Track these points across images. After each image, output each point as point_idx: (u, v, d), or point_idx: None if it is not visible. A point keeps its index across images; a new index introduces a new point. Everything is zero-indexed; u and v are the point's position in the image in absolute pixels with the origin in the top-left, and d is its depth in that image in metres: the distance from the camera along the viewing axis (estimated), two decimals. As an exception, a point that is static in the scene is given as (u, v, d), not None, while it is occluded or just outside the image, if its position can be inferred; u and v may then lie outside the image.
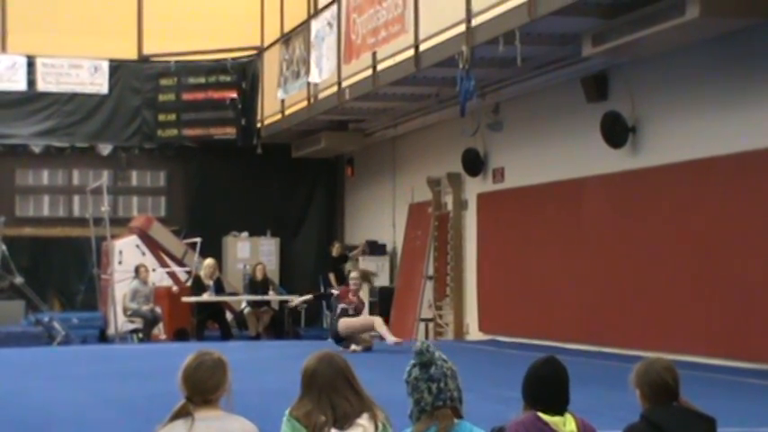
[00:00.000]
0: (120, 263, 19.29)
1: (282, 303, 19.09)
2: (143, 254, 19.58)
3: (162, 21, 22.11)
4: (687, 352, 11.28)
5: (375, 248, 19.95)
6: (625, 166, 13.21)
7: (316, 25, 17.87)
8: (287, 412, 4.36)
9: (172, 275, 19.73)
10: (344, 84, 16.87)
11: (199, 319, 17.99)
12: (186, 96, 21.78)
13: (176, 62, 21.83)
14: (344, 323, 13.79)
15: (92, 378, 11.17)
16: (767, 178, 11.07)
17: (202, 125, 21.76)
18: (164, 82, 21.82)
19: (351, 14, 16.37)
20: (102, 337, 19.09)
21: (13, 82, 20.85)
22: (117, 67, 21.56)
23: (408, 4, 14.26)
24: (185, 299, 18.08)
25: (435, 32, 13.56)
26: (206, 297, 17.98)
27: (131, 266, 18.59)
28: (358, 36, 16.08)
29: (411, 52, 14.31)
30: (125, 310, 18.13)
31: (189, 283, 18.90)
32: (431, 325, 17.71)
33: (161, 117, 21.79)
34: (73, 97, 21.28)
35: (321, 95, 18.29)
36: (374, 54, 15.54)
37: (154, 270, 19.17)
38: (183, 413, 4.12)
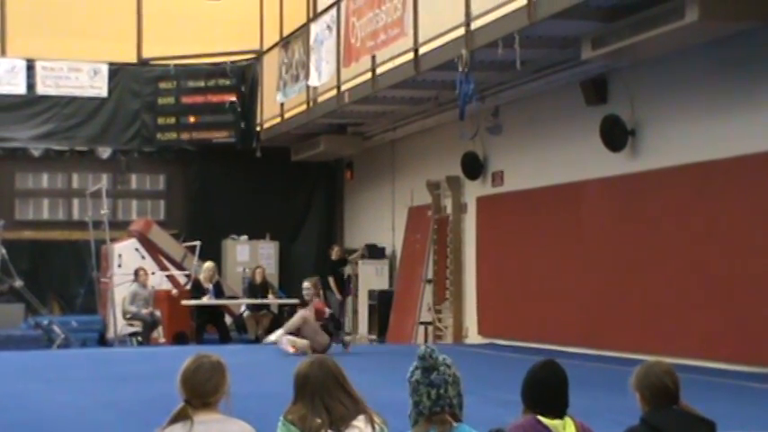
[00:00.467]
0: (119, 266, 19.28)
1: (282, 307, 19.07)
2: (142, 257, 19.56)
3: (161, 24, 22.13)
4: (687, 355, 11.29)
5: (374, 252, 19.94)
6: (624, 170, 13.21)
7: (315, 29, 17.88)
8: (282, 417, 4.36)
9: (171, 279, 19.72)
10: (344, 87, 16.87)
11: (198, 322, 17.97)
12: (185, 100, 21.79)
13: (176, 65, 21.84)
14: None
15: (91, 381, 11.17)
16: (766, 181, 11.07)
17: (202, 128, 21.76)
18: (163, 85, 21.83)
19: (350, 18, 16.38)
20: (102, 341, 19.08)
21: (13, 85, 20.86)
22: (116, 71, 21.58)
23: (408, 7, 14.26)
24: (185, 302, 18.07)
25: (435, 36, 13.57)
26: (205, 300, 17.97)
27: (131, 270, 18.58)
28: (357, 39, 16.09)
29: (410, 55, 14.32)
30: (124, 313, 18.12)
31: (188, 287, 18.88)
32: (430, 328, 17.70)
33: (160, 120, 21.80)
34: (72, 100, 21.29)
35: (320, 99, 18.29)
36: (373, 57, 15.55)
37: (153, 273, 19.15)
38: (182, 416, 4.11)
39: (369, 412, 4.31)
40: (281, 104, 19.88)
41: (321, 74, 17.48)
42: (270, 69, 20.43)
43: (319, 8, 20.38)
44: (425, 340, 17.44)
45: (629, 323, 12.99)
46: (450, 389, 4.00)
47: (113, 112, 21.59)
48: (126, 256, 19.55)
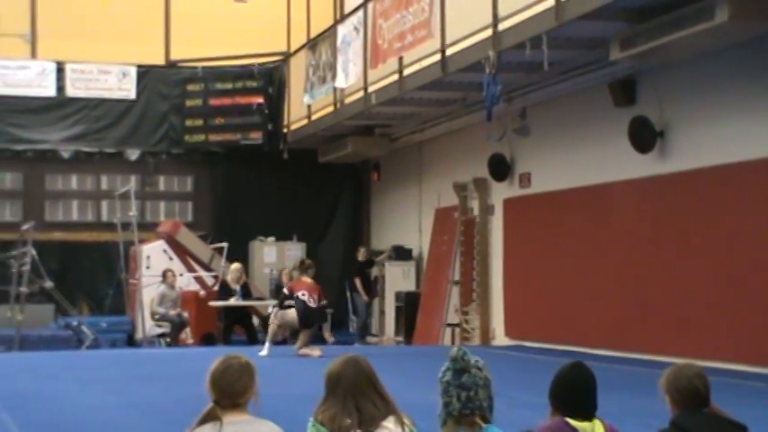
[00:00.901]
0: (147, 267, 19.37)
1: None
2: (170, 258, 19.64)
3: (189, 26, 22.23)
4: (716, 358, 11.20)
5: (401, 253, 19.94)
6: (653, 171, 13.15)
7: (342, 30, 17.90)
8: (312, 417, 4.36)
9: (199, 280, 19.80)
10: (371, 89, 16.88)
11: (225, 323, 18.03)
12: (213, 102, 21.86)
13: (203, 68, 21.92)
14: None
15: (120, 381, 11.24)
16: (796, 183, 11.00)
17: (229, 130, 21.82)
18: (191, 87, 21.92)
19: (377, 19, 16.39)
20: (130, 341, 19.17)
21: (43, 88, 21.01)
22: (145, 73, 21.69)
23: (435, 8, 14.26)
24: (212, 303, 18.13)
25: (462, 37, 13.56)
26: (233, 302, 18.02)
27: (159, 271, 18.67)
28: (384, 41, 16.09)
29: (437, 57, 14.31)
30: (152, 314, 18.21)
31: (216, 288, 18.95)
32: (457, 330, 17.68)
33: (188, 122, 21.88)
34: (101, 103, 21.41)
35: (347, 100, 18.31)
36: (400, 59, 15.55)
37: (181, 275, 19.23)
38: (211, 417, 4.13)
39: (399, 413, 4.30)
40: (308, 106, 19.91)
41: (348, 75, 17.50)
42: (297, 71, 20.48)
43: (346, 10, 20.43)
44: (452, 342, 17.42)
45: (658, 325, 12.93)
46: (480, 391, 3.99)
47: (142, 115, 21.69)
48: (154, 257, 19.64)
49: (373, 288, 20.28)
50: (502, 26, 12.59)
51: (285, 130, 21.33)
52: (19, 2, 21.50)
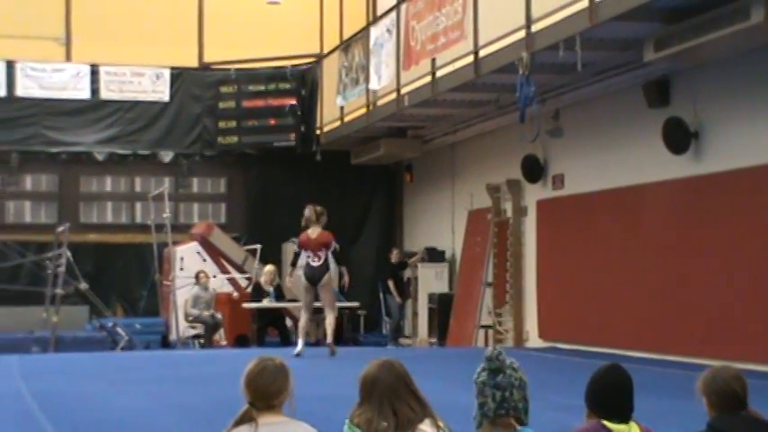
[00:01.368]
0: (181, 269, 19.45)
1: (342, 309, 19.09)
2: (204, 260, 19.71)
3: (222, 29, 22.32)
4: (753, 360, 11.10)
5: (434, 255, 19.93)
6: (687, 173, 13.07)
7: (375, 32, 17.92)
8: (347, 420, 4.36)
9: (232, 282, 19.86)
10: (403, 90, 16.89)
11: (259, 325, 18.07)
12: (246, 104, 21.94)
13: (236, 70, 22.00)
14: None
15: (155, 383, 11.28)
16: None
17: (262, 132, 21.89)
18: (224, 89, 22.01)
19: (410, 21, 16.39)
20: (165, 343, 19.26)
21: (78, 90, 21.16)
22: (178, 75, 21.79)
23: (468, 10, 14.24)
24: (246, 305, 18.18)
25: (495, 38, 13.53)
26: (266, 303, 18.06)
27: (192, 273, 18.74)
28: (417, 42, 16.09)
29: (470, 58, 14.30)
30: (186, 315, 18.29)
31: (249, 290, 19.01)
32: (490, 332, 17.64)
33: (221, 124, 21.97)
34: (135, 105, 21.53)
35: (380, 102, 18.32)
36: (433, 60, 15.54)
37: (214, 276, 19.31)
38: (246, 418, 4.14)
39: (434, 416, 4.30)
40: (341, 108, 19.94)
41: (381, 77, 17.51)
42: (330, 73, 20.51)
43: (379, 12, 20.44)
44: (486, 344, 17.38)
45: (693, 327, 12.84)
46: (515, 392, 3.98)
47: (175, 117, 21.80)
48: (188, 259, 19.71)
49: (406, 290, 20.28)
50: (535, 27, 12.56)
51: (318, 132, 21.37)
52: (54, 5, 21.66)
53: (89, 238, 21.04)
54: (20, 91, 20.88)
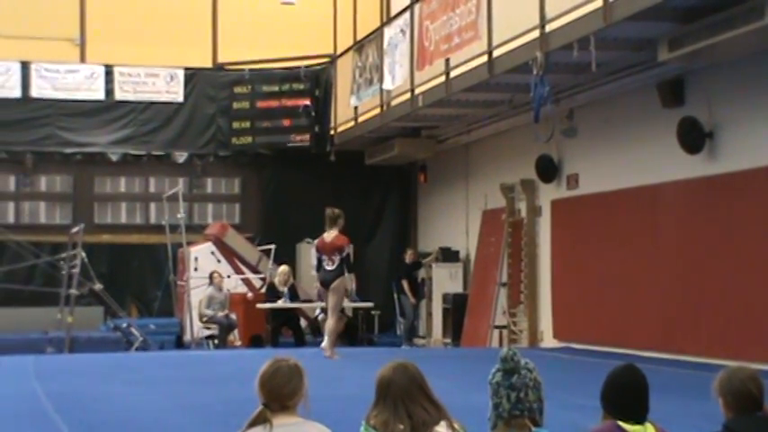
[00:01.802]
0: (195, 269, 19.49)
1: (356, 310, 19.12)
2: (218, 261, 19.75)
3: (236, 29, 22.35)
4: None
5: (448, 255, 19.91)
6: (702, 172, 13.03)
7: (389, 32, 17.91)
8: (363, 421, 4.36)
9: (246, 282, 19.89)
10: (417, 90, 16.87)
11: (273, 325, 18.09)
12: (260, 104, 21.96)
13: (250, 70, 22.02)
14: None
15: (169, 383, 11.30)
16: None
17: (276, 133, 21.90)
18: (238, 90, 22.03)
19: (424, 21, 16.38)
20: (179, 343, 19.30)
21: (92, 91, 21.22)
22: (192, 76, 21.83)
23: (482, 10, 14.23)
24: (260, 305, 18.21)
25: (509, 39, 13.51)
26: (280, 304, 18.08)
27: (207, 273, 18.79)
28: (431, 43, 16.09)
29: (484, 58, 14.28)
30: (201, 316, 18.32)
31: (263, 290, 19.02)
32: (505, 332, 17.62)
33: (235, 125, 22.00)
34: (149, 106, 21.57)
35: (394, 102, 18.31)
36: (447, 61, 15.52)
37: (229, 277, 19.34)
38: (260, 419, 4.14)
39: (450, 418, 4.30)
40: (355, 108, 19.94)
41: (395, 77, 17.51)
42: (343, 73, 20.52)
43: (393, 12, 20.43)
44: (500, 344, 17.37)
45: (708, 327, 12.81)
46: (530, 393, 3.97)
47: (189, 117, 21.84)
48: (202, 259, 19.75)
49: (420, 290, 20.28)
50: (549, 27, 12.54)
51: (332, 132, 21.37)
52: (68, 7, 21.72)
53: (103, 238, 21.09)
54: (34, 92, 20.95)
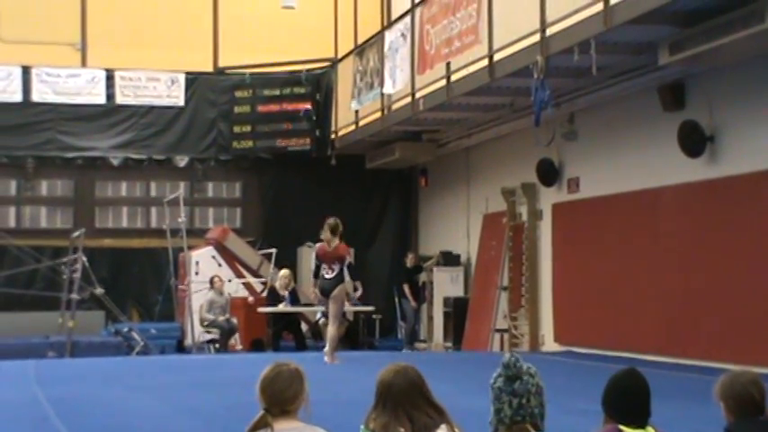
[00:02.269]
0: (196, 274, 19.49)
1: (357, 314, 19.11)
2: (219, 265, 19.74)
3: (237, 33, 22.36)
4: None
5: (449, 259, 19.90)
6: (703, 176, 13.03)
7: (389, 36, 17.92)
8: (362, 425, 4.36)
9: (247, 286, 19.88)
10: (418, 94, 16.88)
11: (274, 329, 18.08)
12: (261, 108, 21.96)
13: (251, 74, 22.03)
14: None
15: (171, 388, 11.29)
16: None
17: (277, 137, 21.91)
18: (239, 94, 22.03)
19: (424, 25, 16.39)
20: (180, 348, 19.30)
21: (93, 95, 21.22)
22: (193, 80, 21.83)
23: (482, 14, 14.24)
24: (261, 309, 18.20)
25: (509, 42, 13.52)
26: (281, 308, 18.07)
27: (208, 277, 18.78)
28: (432, 47, 16.09)
29: (485, 62, 14.28)
30: (202, 320, 18.32)
31: (264, 294, 19.02)
32: (506, 336, 17.61)
33: (236, 129, 22.00)
34: (150, 110, 21.57)
35: (395, 106, 18.32)
36: (448, 64, 15.53)
37: (230, 281, 19.33)
38: (261, 424, 4.14)
39: (451, 422, 4.29)
40: (356, 112, 19.95)
41: (395, 81, 17.51)
42: (344, 77, 20.53)
43: (393, 16, 20.44)
44: (501, 348, 17.37)
45: (710, 331, 12.80)
46: (532, 399, 3.96)
47: (190, 121, 21.84)
48: (203, 263, 19.75)
49: (421, 294, 20.27)
50: (550, 31, 12.54)
51: (333, 136, 21.38)
52: (70, 11, 21.73)
53: (104, 243, 21.09)
54: (35, 96, 20.95)
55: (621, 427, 4.13)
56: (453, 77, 15.51)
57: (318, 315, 19.01)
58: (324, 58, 22.15)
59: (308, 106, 21.73)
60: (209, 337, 18.34)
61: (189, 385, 11.51)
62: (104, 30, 21.74)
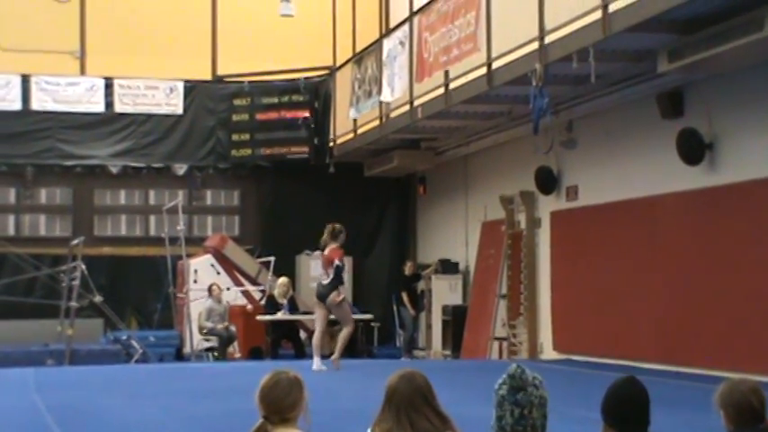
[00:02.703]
0: (195, 282, 19.48)
1: (356, 322, 19.06)
2: (218, 273, 19.73)
3: (236, 42, 22.39)
4: None
5: (448, 267, 19.90)
6: (702, 184, 13.03)
7: (388, 44, 17.93)
8: (368, 430, 4.35)
9: (246, 294, 19.87)
10: (416, 102, 16.89)
11: (273, 337, 18.07)
12: (259, 116, 21.97)
13: (250, 82, 22.04)
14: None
15: (169, 396, 11.28)
16: None
17: (275, 145, 21.92)
18: (237, 102, 22.05)
19: (423, 33, 16.40)
20: (179, 356, 19.27)
21: (92, 104, 21.23)
22: (192, 88, 21.84)
23: (481, 22, 14.25)
24: (259, 318, 18.19)
25: (508, 50, 13.53)
26: (280, 316, 18.06)
27: (206, 285, 18.77)
28: (430, 54, 16.10)
29: (483, 70, 14.29)
30: (200, 328, 18.30)
31: (263, 302, 19.01)
32: (504, 344, 17.60)
33: (235, 137, 22.01)
34: (149, 118, 21.58)
35: (393, 114, 18.34)
36: (446, 72, 15.54)
37: (228, 289, 19.32)
38: (260, 432, 4.14)
39: (455, 430, 4.28)
40: (354, 120, 19.96)
41: (394, 89, 17.52)
42: (343, 85, 20.54)
43: (392, 24, 20.46)
44: (500, 356, 17.35)
45: (709, 339, 12.79)
46: (534, 410, 3.94)
47: (189, 129, 21.85)
48: (202, 271, 19.74)
49: (420, 302, 20.26)
50: (548, 39, 12.55)
51: (331, 144, 21.39)
52: (68, 19, 21.75)
53: (103, 251, 21.09)
54: (35, 104, 20.96)
55: (621, 435, 4.13)
56: (452, 85, 15.53)
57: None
58: (322, 66, 22.17)
59: (307, 114, 21.74)
60: (207, 345, 18.33)
61: (188, 393, 11.50)
62: (103, 38, 21.77)
